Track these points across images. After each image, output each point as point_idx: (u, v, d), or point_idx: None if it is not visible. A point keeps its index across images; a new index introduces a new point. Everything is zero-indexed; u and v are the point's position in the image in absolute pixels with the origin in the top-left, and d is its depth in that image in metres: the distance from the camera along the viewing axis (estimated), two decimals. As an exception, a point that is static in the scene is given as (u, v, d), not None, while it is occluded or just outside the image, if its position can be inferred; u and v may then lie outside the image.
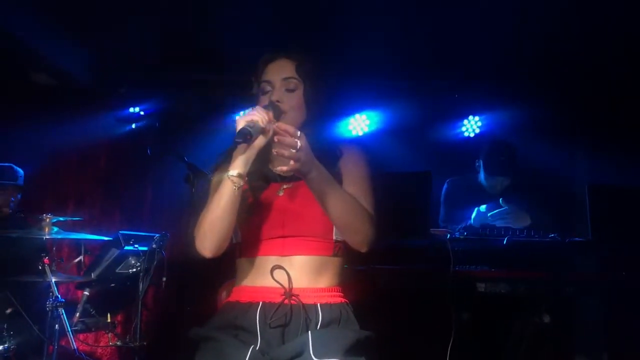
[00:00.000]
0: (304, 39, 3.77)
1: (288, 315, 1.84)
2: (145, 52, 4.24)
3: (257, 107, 1.84)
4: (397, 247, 2.85)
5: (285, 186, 1.96)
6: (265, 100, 1.94)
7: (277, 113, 1.88)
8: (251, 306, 1.88)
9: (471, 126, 4.62)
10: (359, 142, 2.11)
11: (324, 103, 1.99)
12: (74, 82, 4.46)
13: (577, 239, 2.94)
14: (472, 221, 3.28)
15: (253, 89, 2.01)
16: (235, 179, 1.82)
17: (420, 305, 2.96)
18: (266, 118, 1.80)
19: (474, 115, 4.61)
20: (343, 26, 3.76)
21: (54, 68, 4.35)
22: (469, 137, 4.62)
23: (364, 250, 1.91)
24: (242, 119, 1.78)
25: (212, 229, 1.86)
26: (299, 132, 1.77)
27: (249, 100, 2.00)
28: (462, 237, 2.97)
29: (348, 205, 1.86)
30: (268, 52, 2.00)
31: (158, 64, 4.42)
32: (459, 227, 3.14)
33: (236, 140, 1.76)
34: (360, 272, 2.78)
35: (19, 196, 3.76)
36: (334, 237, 1.92)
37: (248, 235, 1.93)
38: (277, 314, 1.83)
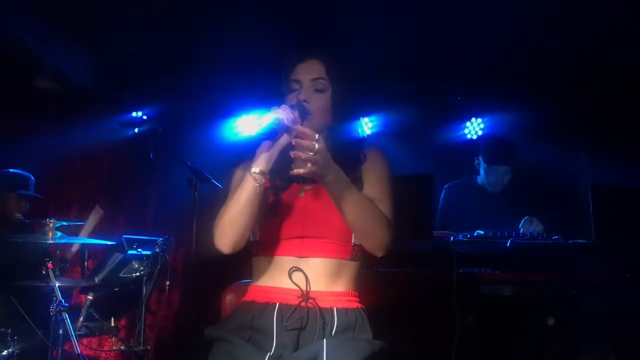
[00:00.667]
0: (306, 42, 3.77)
1: (304, 318, 1.83)
2: (148, 57, 4.25)
3: (284, 106, 1.84)
4: (401, 250, 2.84)
5: (307, 187, 1.96)
6: (292, 99, 1.94)
7: (303, 113, 1.89)
8: (268, 306, 1.87)
9: (474, 128, 4.62)
10: (380, 147, 2.09)
11: (350, 107, 1.99)
12: (77, 87, 4.47)
13: (580, 240, 2.94)
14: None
15: (282, 87, 2.01)
16: (257, 176, 1.83)
17: (424, 308, 2.96)
18: (291, 117, 1.81)
19: (476, 118, 4.61)
20: (345, 29, 3.76)
21: (57, 73, 4.36)
22: (471, 139, 4.62)
23: (380, 255, 1.90)
24: (269, 116, 1.79)
25: (231, 224, 1.86)
26: (317, 135, 1.76)
27: (276, 99, 1.99)
28: (465, 239, 2.97)
29: (365, 209, 1.86)
30: (298, 51, 2.01)
31: (161, 68, 4.43)
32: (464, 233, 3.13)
33: (262, 137, 1.78)
34: (364, 275, 2.78)
35: (27, 205, 3.78)
36: (353, 241, 1.92)
37: (267, 234, 1.93)
38: (293, 317, 1.83)
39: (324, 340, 1.78)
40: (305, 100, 1.92)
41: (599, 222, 2.87)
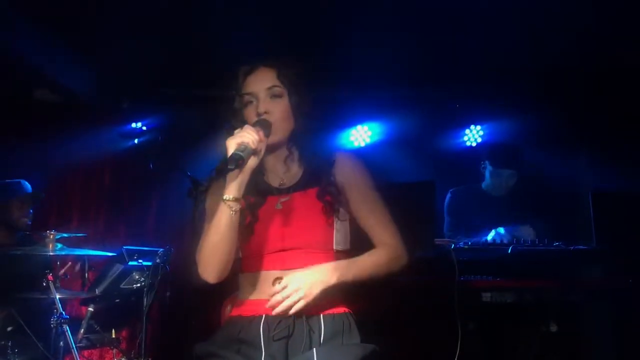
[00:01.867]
0: (306, 52, 3.78)
1: (291, 327, 1.83)
2: (147, 68, 4.26)
3: (246, 127, 1.80)
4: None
5: (282, 199, 1.94)
6: (251, 112, 1.91)
7: (267, 127, 1.85)
8: (254, 319, 1.87)
9: (473, 135, 4.63)
10: (352, 151, 2.09)
11: (311, 109, 1.95)
12: (77, 98, 4.48)
13: (581, 246, 2.93)
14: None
15: (235, 104, 1.96)
16: (232, 203, 1.79)
17: (425, 316, 2.95)
18: (257, 138, 1.78)
19: (475, 125, 4.62)
20: (344, 38, 3.77)
21: (57, 84, 4.37)
22: (471, 146, 4.62)
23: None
24: (233, 141, 1.75)
25: (213, 255, 1.84)
26: (284, 282, 1.80)
27: (231, 116, 1.95)
28: (466, 247, 2.97)
29: (379, 264, 1.93)
30: (245, 62, 1.96)
31: (160, 79, 4.44)
32: (465, 240, 3.13)
33: (228, 167, 1.73)
34: (364, 283, 2.77)
35: (31, 210, 3.78)
36: (335, 247, 1.92)
37: (248, 251, 1.92)
38: (280, 326, 1.82)
39: (314, 349, 1.78)
40: (265, 112, 1.89)
41: (600, 228, 2.87)
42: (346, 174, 1.96)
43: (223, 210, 1.81)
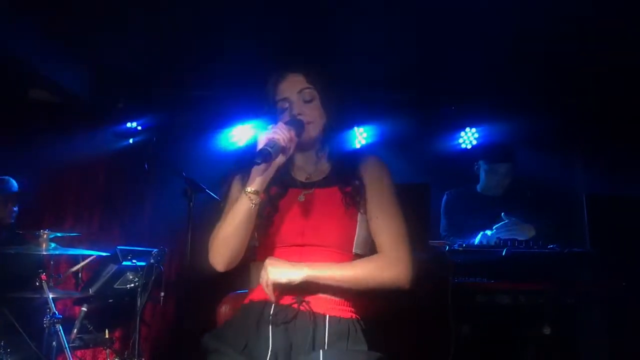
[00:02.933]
0: (300, 54, 3.78)
1: (295, 317, 1.83)
2: (143, 68, 4.26)
3: (280, 124, 1.84)
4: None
5: (305, 192, 1.96)
6: (286, 116, 1.95)
7: (299, 127, 1.91)
8: (266, 305, 1.87)
9: (468, 138, 4.64)
10: (376, 153, 2.10)
11: (341, 109, 2.00)
12: (72, 98, 4.46)
13: (576, 249, 2.94)
14: (477, 242, 3.27)
15: (270, 110, 2.00)
16: (253, 196, 1.83)
17: (419, 318, 2.95)
18: (287, 136, 1.82)
19: (470, 127, 4.63)
20: (340, 39, 3.78)
21: (52, 84, 4.35)
22: (466, 148, 4.63)
23: (407, 286, 1.90)
24: (264, 136, 1.80)
25: (226, 244, 1.87)
26: (267, 278, 1.81)
27: (267, 120, 2.00)
28: (461, 249, 2.97)
29: (367, 273, 1.86)
30: (274, 72, 2.01)
31: (155, 79, 4.43)
32: (459, 242, 3.13)
33: (256, 160, 1.77)
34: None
35: (15, 208, 3.75)
36: (354, 250, 1.91)
37: (266, 241, 1.93)
38: (284, 312, 1.83)
39: (320, 352, 1.77)
40: (299, 114, 1.94)
41: (594, 231, 2.88)
42: (373, 175, 1.98)
43: (243, 202, 1.84)
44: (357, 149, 2.11)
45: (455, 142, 4.65)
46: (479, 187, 3.75)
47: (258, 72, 2.09)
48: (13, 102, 4.47)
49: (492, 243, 3.12)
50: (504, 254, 2.90)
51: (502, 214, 3.28)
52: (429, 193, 3.02)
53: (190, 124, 4.61)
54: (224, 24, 3.67)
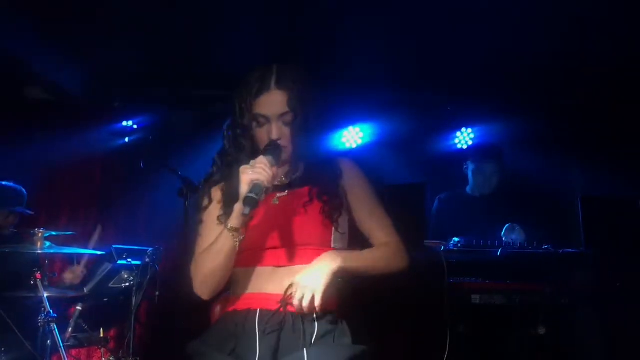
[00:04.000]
0: (297, 53, 3.78)
1: (283, 323, 1.83)
2: (139, 66, 4.25)
3: (260, 160, 1.81)
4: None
5: (279, 195, 1.96)
6: (263, 134, 1.92)
7: (278, 152, 1.89)
8: (249, 313, 1.87)
9: (464, 138, 4.64)
10: (351, 157, 2.11)
11: (319, 124, 1.98)
12: (67, 96, 4.46)
13: (570, 250, 2.95)
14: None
15: (244, 119, 1.95)
16: (236, 234, 1.83)
17: (415, 318, 2.95)
18: (271, 174, 1.79)
19: (466, 128, 4.63)
20: (336, 40, 3.78)
21: (48, 82, 4.35)
22: (462, 148, 4.64)
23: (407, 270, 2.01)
24: (247, 177, 1.77)
25: (212, 277, 1.88)
26: (294, 287, 1.81)
27: (239, 127, 1.96)
28: (456, 249, 2.97)
29: (380, 259, 1.97)
30: (256, 80, 1.94)
31: (151, 77, 4.43)
32: (454, 241, 3.14)
33: (243, 213, 1.75)
34: (354, 284, 2.77)
35: (18, 219, 3.74)
36: (333, 246, 1.93)
37: (244, 246, 1.91)
38: (272, 321, 1.83)
39: (305, 350, 1.78)
40: (279, 138, 1.91)
41: (589, 232, 2.89)
42: (348, 178, 2.00)
43: (226, 238, 1.84)
44: (330, 152, 2.13)
45: (451, 143, 4.66)
46: (468, 189, 3.77)
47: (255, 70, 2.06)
48: (8, 101, 4.45)
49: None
50: (499, 254, 2.91)
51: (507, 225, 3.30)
52: (424, 193, 3.03)
53: (186, 123, 4.60)
54: (221, 23, 3.67)
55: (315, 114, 1.98)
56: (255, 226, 1.90)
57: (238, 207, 1.81)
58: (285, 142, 1.92)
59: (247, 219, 1.83)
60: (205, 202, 1.99)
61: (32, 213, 3.73)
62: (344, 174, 2.00)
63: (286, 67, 1.97)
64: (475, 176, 3.69)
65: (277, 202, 1.94)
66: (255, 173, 1.78)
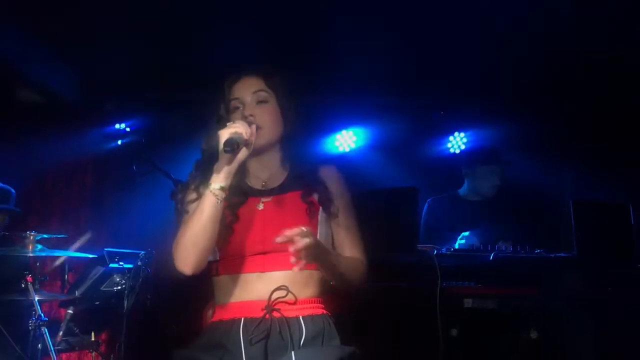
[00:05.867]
0: (291, 56, 3.78)
1: (269, 330, 1.82)
2: (132, 69, 4.24)
3: (238, 120, 1.83)
4: (384, 263, 2.85)
5: (264, 200, 1.95)
6: (237, 117, 1.91)
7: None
8: (234, 323, 1.85)
9: (457, 142, 4.66)
10: (333, 163, 2.10)
11: (298, 115, 1.98)
12: (60, 99, 4.44)
13: (562, 254, 2.96)
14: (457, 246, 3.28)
15: (220, 111, 1.97)
16: (218, 192, 1.80)
17: (407, 322, 2.95)
18: (249, 131, 1.81)
19: (459, 132, 4.65)
20: (330, 44, 3.78)
21: (40, 85, 4.32)
22: (454, 153, 4.65)
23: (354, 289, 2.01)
24: (226, 131, 1.78)
25: (194, 244, 1.82)
26: (305, 229, 1.76)
27: (217, 122, 1.96)
28: (448, 253, 2.98)
29: (350, 269, 1.95)
30: (232, 72, 1.99)
31: (144, 80, 4.42)
32: (446, 246, 3.15)
33: (224, 149, 1.75)
34: (347, 288, 2.77)
35: (7, 219, 3.71)
36: None
37: (227, 252, 1.91)
38: (258, 329, 1.81)
39: (292, 353, 1.77)
40: (251, 115, 1.90)
41: (581, 236, 2.90)
42: (336, 187, 2.00)
43: (208, 199, 1.80)
44: (314, 157, 2.11)
45: (444, 147, 4.67)
46: (461, 191, 3.77)
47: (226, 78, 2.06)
48: (0, 103, 4.43)
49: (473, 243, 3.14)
50: (491, 258, 2.92)
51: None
52: (417, 197, 3.03)
53: (179, 125, 4.59)
54: (214, 25, 3.66)
55: (296, 101, 1.98)
56: (240, 232, 1.89)
57: (218, 167, 1.81)
58: (259, 121, 1.90)
59: (227, 173, 1.80)
60: (184, 200, 1.96)
61: (20, 211, 3.71)
62: (329, 180, 1.99)
63: (263, 59, 2.01)
64: (478, 180, 3.68)
65: (262, 208, 1.93)
66: (233, 127, 1.79)
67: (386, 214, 2.91)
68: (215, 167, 1.82)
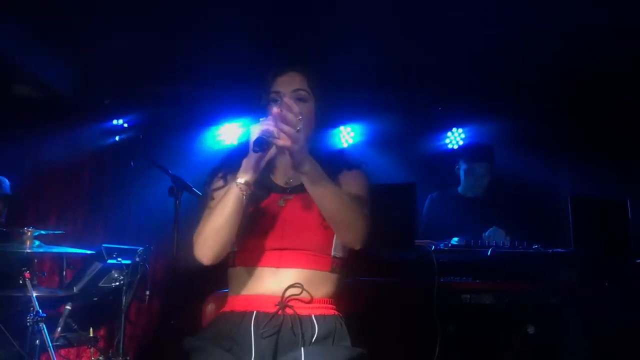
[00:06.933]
0: (289, 52, 3.78)
1: (281, 325, 1.83)
2: (129, 64, 4.23)
3: (272, 117, 1.81)
4: (382, 258, 2.85)
5: (286, 197, 1.96)
6: (274, 110, 1.90)
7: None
8: (245, 315, 1.86)
9: (455, 138, 4.66)
10: (363, 165, 2.09)
11: (331, 117, 2.02)
12: (58, 94, 4.43)
13: (560, 250, 2.97)
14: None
15: (261, 101, 2.00)
16: (244, 187, 1.81)
17: (405, 317, 2.96)
18: (277, 129, 1.78)
19: (457, 128, 4.65)
20: (328, 39, 3.78)
21: (37, 80, 4.31)
22: (452, 148, 4.65)
23: (357, 247, 1.90)
24: (257, 128, 1.76)
25: (215, 236, 1.84)
26: (300, 116, 1.75)
27: (258, 112, 1.98)
28: (446, 248, 2.98)
29: (342, 200, 1.86)
30: (277, 65, 2.01)
31: (142, 76, 4.41)
32: (444, 242, 3.15)
33: (254, 149, 1.75)
34: (345, 284, 2.78)
35: (5, 212, 3.71)
36: (333, 253, 1.92)
37: (245, 245, 1.92)
38: (270, 324, 1.82)
39: (302, 349, 1.78)
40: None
41: (578, 232, 2.90)
42: (349, 179, 1.99)
43: (233, 193, 1.82)
44: (343, 155, 2.09)
45: (442, 143, 4.68)
46: (460, 189, 3.78)
47: (246, 70, 2.09)
48: (-3, 98, 4.43)
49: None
50: (489, 254, 2.92)
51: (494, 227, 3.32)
52: (415, 193, 3.03)
53: (177, 121, 4.59)
54: (212, 21, 3.66)
55: (330, 104, 2.00)
56: (259, 226, 1.91)
57: (246, 162, 1.81)
58: None
59: (254, 169, 1.80)
60: (210, 188, 1.97)
61: (15, 196, 3.69)
62: (347, 174, 1.99)
63: (307, 61, 2.01)
64: (467, 177, 3.70)
65: (283, 205, 1.95)
66: (264, 125, 1.76)
67: (384, 210, 2.90)
68: (244, 161, 1.83)
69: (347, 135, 4.64)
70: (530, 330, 2.95)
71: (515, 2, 3.31)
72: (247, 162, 1.82)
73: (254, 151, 1.76)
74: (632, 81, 3.97)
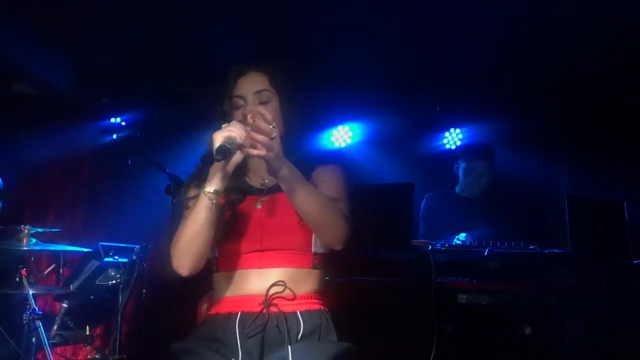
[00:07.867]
0: (287, 51, 3.78)
1: (266, 324, 1.82)
2: (127, 63, 4.22)
3: (234, 123, 1.78)
4: (379, 258, 2.85)
5: (262, 199, 1.95)
6: (238, 115, 1.90)
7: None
8: (230, 316, 1.86)
9: (452, 138, 4.67)
10: (338, 156, 2.07)
11: (300, 115, 1.96)
12: (56, 92, 4.42)
13: (557, 250, 2.97)
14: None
15: (224, 105, 1.97)
16: (212, 196, 1.78)
17: (402, 317, 2.96)
18: (243, 133, 1.75)
19: (455, 128, 4.65)
20: (327, 39, 3.78)
21: (35, 78, 4.31)
22: (450, 149, 4.66)
23: (339, 248, 1.89)
24: (220, 135, 1.72)
25: (189, 246, 1.83)
26: (274, 123, 1.72)
27: (220, 116, 1.95)
28: (443, 248, 2.98)
29: (320, 202, 1.84)
30: (237, 65, 1.97)
31: (140, 74, 4.40)
32: (441, 242, 3.15)
33: (215, 158, 1.70)
34: (342, 284, 2.78)
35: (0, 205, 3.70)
36: (313, 250, 1.92)
37: (225, 250, 1.91)
38: (255, 323, 1.82)
39: (289, 347, 1.77)
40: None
41: (575, 232, 2.91)
42: (325, 174, 1.96)
43: (203, 203, 1.79)
44: (317, 155, 2.06)
45: (440, 143, 4.68)
46: (457, 188, 3.78)
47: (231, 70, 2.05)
48: (-5, 96, 4.42)
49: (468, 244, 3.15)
50: (485, 254, 2.92)
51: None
52: (412, 193, 3.03)
53: (174, 120, 4.58)
54: (210, 19, 3.66)
55: (299, 101, 1.94)
56: (238, 230, 1.90)
57: (213, 170, 1.78)
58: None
59: (221, 177, 1.76)
60: (184, 198, 1.96)
61: (6, 191, 3.67)
62: (321, 170, 1.95)
63: (271, 57, 1.96)
64: (465, 176, 3.70)
65: (260, 206, 1.93)
66: (227, 131, 1.73)
67: (382, 210, 2.91)
68: (210, 170, 1.80)
69: (345, 135, 4.64)
70: (527, 330, 2.96)
71: (515, 2, 3.31)
72: (213, 171, 1.79)
73: (216, 160, 1.72)
74: (632, 81, 3.98)
